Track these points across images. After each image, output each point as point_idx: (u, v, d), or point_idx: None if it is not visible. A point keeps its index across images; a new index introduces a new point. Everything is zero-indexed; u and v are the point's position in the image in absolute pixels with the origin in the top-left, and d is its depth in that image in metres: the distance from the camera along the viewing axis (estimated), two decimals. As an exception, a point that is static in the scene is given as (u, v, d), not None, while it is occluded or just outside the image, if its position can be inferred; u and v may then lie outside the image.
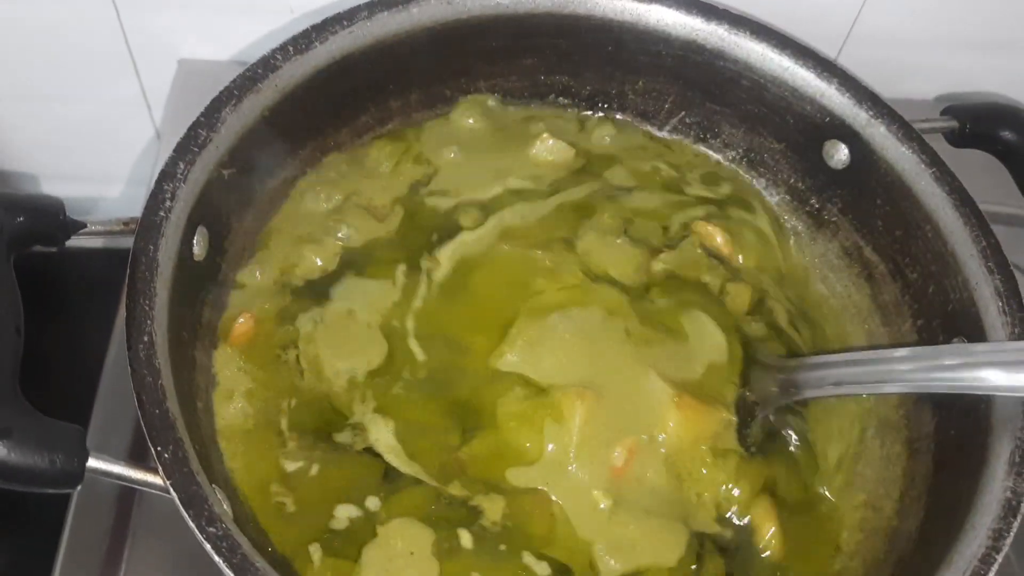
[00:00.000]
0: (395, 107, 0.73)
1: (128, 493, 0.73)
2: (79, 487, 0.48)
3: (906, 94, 0.84)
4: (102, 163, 0.93)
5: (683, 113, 0.77)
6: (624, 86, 0.76)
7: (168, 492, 0.48)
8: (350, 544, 0.56)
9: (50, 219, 0.54)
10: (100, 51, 0.83)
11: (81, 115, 0.88)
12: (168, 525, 0.68)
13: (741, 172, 0.77)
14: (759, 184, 0.77)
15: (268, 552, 0.54)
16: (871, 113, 0.68)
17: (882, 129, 0.68)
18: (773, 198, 0.76)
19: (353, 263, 0.67)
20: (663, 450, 0.60)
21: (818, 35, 0.74)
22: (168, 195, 0.57)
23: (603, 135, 0.77)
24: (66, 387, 0.71)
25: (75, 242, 0.61)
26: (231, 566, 0.46)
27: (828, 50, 0.75)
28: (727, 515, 0.60)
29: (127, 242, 0.58)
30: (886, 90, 0.70)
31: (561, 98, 0.78)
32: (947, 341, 0.64)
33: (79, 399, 0.71)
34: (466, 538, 0.56)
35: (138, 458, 0.68)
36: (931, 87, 0.89)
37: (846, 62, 0.73)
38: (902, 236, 0.68)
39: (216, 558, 0.47)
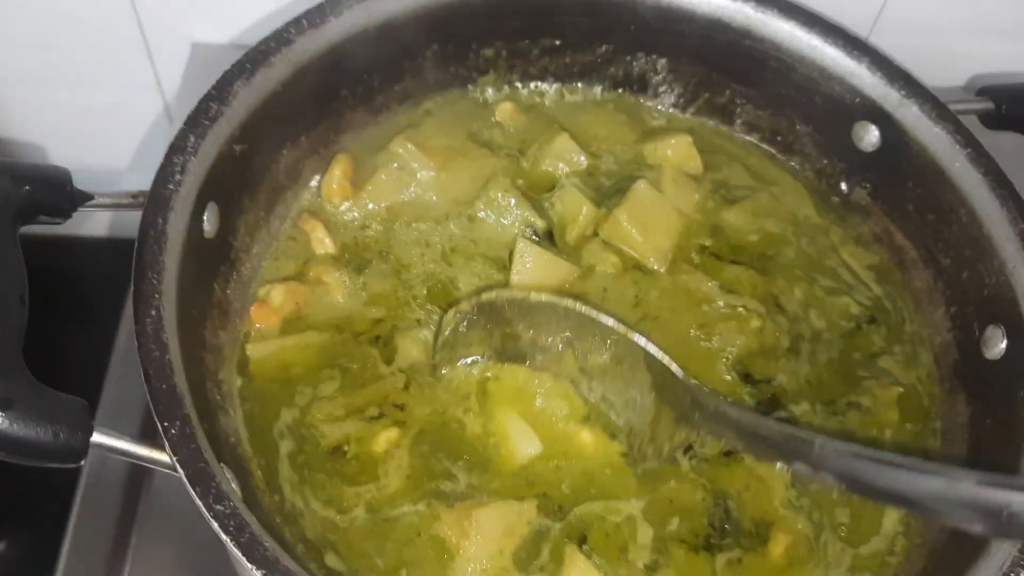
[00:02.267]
0: (413, 86, 0.71)
1: (135, 482, 0.71)
2: (83, 463, 0.47)
3: (936, 81, 0.82)
4: (114, 146, 0.92)
5: (707, 94, 0.75)
6: (646, 66, 0.74)
7: (175, 469, 0.47)
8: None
9: (57, 190, 0.53)
10: (114, 35, 0.82)
11: (95, 99, 0.88)
12: (175, 515, 0.66)
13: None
14: (785, 168, 0.74)
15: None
16: (903, 93, 0.66)
17: (915, 109, 0.66)
18: (800, 181, 0.74)
19: None
20: None
21: (845, 22, 0.72)
22: (178, 168, 0.55)
23: None
24: (78, 378, 0.70)
25: (89, 230, 0.59)
26: (239, 545, 0.45)
27: (855, 37, 0.73)
28: None
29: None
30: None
31: (580, 81, 0.76)
32: (982, 328, 0.62)
33: (90, 393, 0.70)
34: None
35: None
36: (962, 74, 0.86)
37: (874, 49, 0.70)
38: (935, 220, 0.66)
39: (223, 536, 0.45)
